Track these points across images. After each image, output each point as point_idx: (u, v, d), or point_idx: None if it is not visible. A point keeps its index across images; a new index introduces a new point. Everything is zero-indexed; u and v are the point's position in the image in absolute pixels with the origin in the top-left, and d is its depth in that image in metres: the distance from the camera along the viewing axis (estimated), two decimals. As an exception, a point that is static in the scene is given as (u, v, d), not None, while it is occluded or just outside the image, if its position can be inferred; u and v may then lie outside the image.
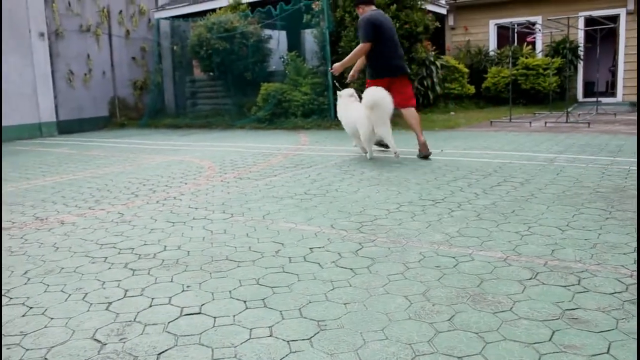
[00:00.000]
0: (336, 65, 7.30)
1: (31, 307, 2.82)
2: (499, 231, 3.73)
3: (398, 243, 3.57)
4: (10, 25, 13.36)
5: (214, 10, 14.09)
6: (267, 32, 13.98)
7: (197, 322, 2.53)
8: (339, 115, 7.40)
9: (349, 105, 7.09)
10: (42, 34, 13.97)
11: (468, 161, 6.59)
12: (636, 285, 2.75)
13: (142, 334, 2.45)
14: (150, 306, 2.74)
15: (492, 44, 16.77)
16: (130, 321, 2.58)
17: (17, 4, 13.46)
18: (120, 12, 15.91)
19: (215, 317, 2.57)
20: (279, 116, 12.29)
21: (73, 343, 2.40)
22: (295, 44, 15.79)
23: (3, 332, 2.56)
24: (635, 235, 3.51)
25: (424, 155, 6.94)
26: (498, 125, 10.78)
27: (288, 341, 2.31)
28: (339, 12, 11.36)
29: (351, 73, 7.49)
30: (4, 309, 2.83)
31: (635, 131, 8.85)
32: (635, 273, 2.90)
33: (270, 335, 2.37)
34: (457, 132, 9.89)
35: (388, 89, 6.60)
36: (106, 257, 3.55)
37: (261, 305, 2.68)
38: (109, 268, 3.35)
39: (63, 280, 3.18)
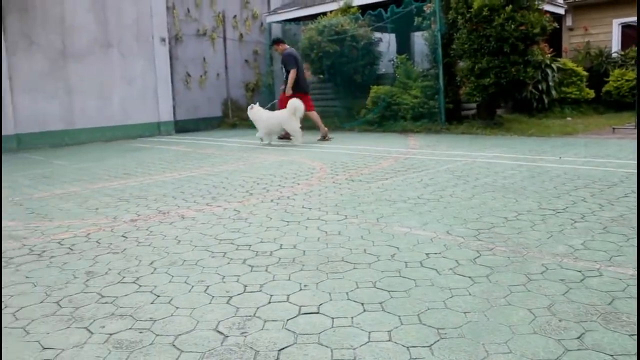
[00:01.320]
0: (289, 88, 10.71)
1: (158, 296, 2.96)
2: (630, 246, 3.49)
3: (518, 253, 3.43)
4: (137, 32, 14.26)
5: (324, 13, 14.26)
6: (377, 34, 13.97)
7: (316, 322, 2.55)
8: (258, 117, 10.43)
9: (265, 112, 10.56)
10: (163, 39, 14.77)
11: (589, 170, 6.22)
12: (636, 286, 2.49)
13: (262, 329, 2.50)
14: (269, 302, 2.80)
15: (616, 45, 15.76)
16: (250, 316, 2.65)
17: (143, 12, 14.33)
18: (235, 16, 16.49)
19: (333, 318, 2.58)
20: (388, 119, 12.24)
21: (198, 333, 2.50)
22: (404, 46, 15.67)
23: (134, 315, 2.71)
24: None
25: (325, 138, 10.75)
26: (622, 132, 10.11)
27: (408, 347, 2.27)
28: (451, 14, 11.12)
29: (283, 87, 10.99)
30: (135, 294, 3.00)
31: None
32: None
33: (390, 340, 2.34)
34: (575, 139, 9.38)
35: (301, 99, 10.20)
36: (225, 252, 3.67)
37: (379, 309, 2.66)
38: (228, 263, 3.46)
39: (186, 272, 3.32)
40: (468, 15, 10.28)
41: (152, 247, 3.89)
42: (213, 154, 9.39)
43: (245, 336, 2.44)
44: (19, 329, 2.65)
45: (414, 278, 3.05)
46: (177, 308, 2.79)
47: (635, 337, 2.28)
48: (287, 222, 4.39)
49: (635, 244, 3.50)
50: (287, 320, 2.58)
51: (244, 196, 5.50)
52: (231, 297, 2.90)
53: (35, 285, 3.23)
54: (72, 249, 3.95)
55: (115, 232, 4.37)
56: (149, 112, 14.50)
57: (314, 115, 11.00)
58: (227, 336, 2.45)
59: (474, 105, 12.24)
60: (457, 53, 10.80)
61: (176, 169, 7.68)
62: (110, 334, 2.52)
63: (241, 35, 16.66)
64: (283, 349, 2.31)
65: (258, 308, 2.74)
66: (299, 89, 10.82)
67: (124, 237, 4.21)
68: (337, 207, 4.85)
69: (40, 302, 2.97)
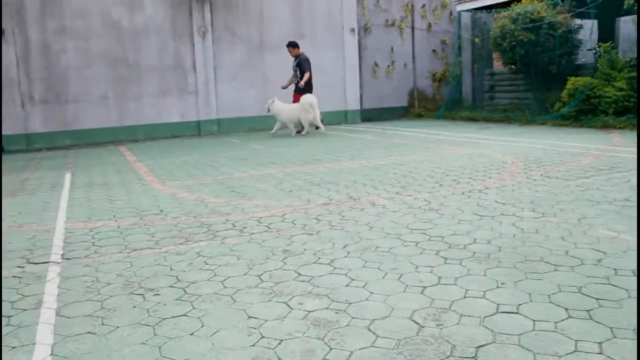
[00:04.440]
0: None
1: (353, 279, 3.02)
2: None
3: None
4: (328, 23, 14.74)
5: (518, 0, 13.53)
6: (577, 21, 12.92)
7: (515, 322, 2.42)
8: (278, 111, 11.72)
9: (285, 105, 11.83)
10: (352, 30, 15.08)
11: None
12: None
13: (458, 323, 2.43)
14: (465, 297, 2.72)
15: None
16: (445, 309, 2.59)
17: (334, 4, 14.77)
18: (423, 6, 16.30)
19: (534, 320, 2.43)
20: (586, 113, 11.29)
21: (392, 320, 2.50)
22: (608, 33, 14.32)
23: (330, 296, 2.79)
24: None
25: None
26: None
27: (625, 363, 2.06)
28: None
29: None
30: (330, 275, 3.09)
31: None
32: None
33: (600, 353, 2.14)
34: None
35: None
36: (417, 242, 3.64)
37: (586, 317, 2.45)
38: (421, 253, 3.42)
39: (379, 259, 3.34)
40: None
41: (345, 231, 3.99)
42: (400, 143, 9.40)
43: (441, 328, 2.39)
44: (227, 296, 2.86)
45: (627, 288, 2.76)
46: (372, 293, 2.81)
47: None
48: (480, 216, 4.24)
49: None
50: (485, 317, 2.48)
51: (434, 187, 5.42)
52: (425, 287, 2.86)
53: (239, 259, 3.47)
54: (269, 228, 4.18)
55: (309, 214, 4.55)
56: (337, 101, 14.93)
57: None
58: (423, 326, 2.42)
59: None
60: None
61: (364, 157, 7.81)
62: (309, 312, 2.62)
63: (429, 24, 16.44)
64: (481, 346, 2.22)
65: (453, 301, 2.67)
66: (309, 89, 12.03)
67: (317, 219, 4.36)
68: (533, 204, 4.57)
69: (244, 274, 3.18)
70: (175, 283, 3.09)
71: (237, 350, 2.28)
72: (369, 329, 2.41)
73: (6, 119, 11.84)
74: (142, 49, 12.89)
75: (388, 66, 15.79)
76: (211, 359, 2.21)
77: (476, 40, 15.47)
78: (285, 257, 3.45)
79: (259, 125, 13.92)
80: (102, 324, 2.60)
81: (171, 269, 3.33)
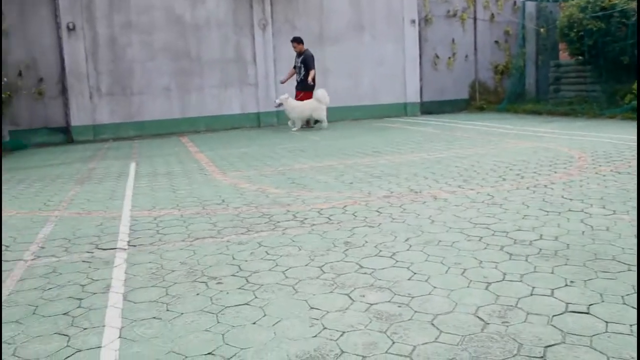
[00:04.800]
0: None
1: (415, 273, 2.98)
2: None
3: None
4: (388, 15, 14.59)
5: (588, -12, 13.02)
6: (654, 9, 12.33)
7: (586, 323, 2.33)
8: (291, 108, 11.63)
9: (297, 102, 11.73)
10: (413, 21, 14.87)
11: None
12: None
13: (524, 321, 2.36)
14: (531, 295, 2.63)
15: None
16: (511, 306, 2.52)
17: (394, -5, 14.65)
18: (488, -5, 15.92)
19: (607, 322, 2.33)
20: (661, 106, 10.78)
21: (456, 316, 2.45)
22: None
23: (392, 289, 2.75)
24: None
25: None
26: None
27: None
28: None
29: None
30: (392, 269, 3.06)
31: None
32: None
33: (680, 357, 2.03)
34: None
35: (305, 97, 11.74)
36: (481, 237, 3.56)
37: (664, 320, 2.33)
38: (485, 248, 3.34)
39: (442, 253, 3.29)
40: None
41: (407, 224, 3.94)
42: (461, 136, 9.23)
43: (507, 326, 2.32)
44: (288, 287, 2.87)
45: None
46: (435, 287, 2.77)
47: None
48: (547, 212, 4.10)
49: None
50: (553, 316, 2.40)
51: (497, 181, 5.29)
52: (490, 283, 2.79)
53: (300, 249, 3.48)
54: (330, 219, 4.18)
55: (369, 206, 4.52)
56: (397, 93, 14.79)
57: None
58: (488, 323, 2.36)
59: None
60: None
61: (425, 150, 7.71)
62: (371, 304, 2.60)
63: (492, 15, 16.02)
64: (550, 346, 2.15)
65: (519, 299, 2.59)
66: (310, 89, 11.78)
67: (378, 212, 4.33)
68: (603, 200, 4.39)
69: (306, 265, 3.18)
70: (238, 272, 3.12)
71: (299, 340, 2.28)
72: (432, 324, 2.37)
73: (75, 110, 12.30)
74: (203, 42, 13.12)
75: (449, 58, 15.50)
76: (273, 349, 2.22)
77: (541, 30, 15.00)
78: (347, 249, 3.43)
79: (318, 118, 13.95)
80: (167, 310, 2.65)
81: (233, 258, 3.37)
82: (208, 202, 5.03)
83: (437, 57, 15.35)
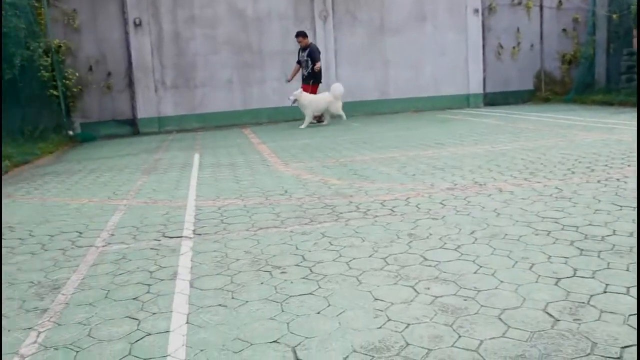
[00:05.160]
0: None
1: (481, 266, 2.91)
2: None
3: None
4: (450, 4, 14.31)
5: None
6: None
7: (666, 322, 2.22)
8: (307, 103, 11.14)
9: (312, 95, 11.31)
10: (476, 10, 14.53)
11: None
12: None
13: (598, 319, 2.27)
14: (605, 292, 2.53)
15: None
16: (583, 303, 2.43)
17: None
18: (558, -18, 15.38)
19: (688, 321, 2.21)
20: None
21: (524, 311, 2.38)
22: None
23: (458, 282, 2.70)
24: None
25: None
26: None
27: None
28: None
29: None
30: (457, 261, 3.00)
31: None
32: None
33: None
34: None
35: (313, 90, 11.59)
36: (549, 231, 3.44)
37: None
38: (554, 243, 3.23)
39: (508, 247, 3.20)
40: None
41: (471, 217, 3.86)
42: (526, 128, 8.96)
43: (579, 324, 2.24)
44: (352, 277, 2.86)
45: None
46: (502, 282, 2.70)
47: None
48: (620, 206, 3.93)
49: None
50: (629, 315, 2.29)
51: (565, 174, 5.11)
52: (559, 279, 2.70)
53: (364, 240, 3.47)
54: (393, 211, 4.14)
55: (433, 198, 4.46)
56: (458, 84, 14.52)
57: None
58: (558, 320, 2.28)
59: None
60: None
61: (488, 142, 7.53)
62: (436, 297, 2.56)
63: (560, 2, 15.47)
64: (627, 347, 2.06)
65: (592, 296, 2.49)
66: (319, 80, 11.71)
67: (442, 204, 4.26)
68: (681, 194, 4.18)
69: (369, 257, 3.17)
70: (301, 262, 3.14)
71: (364, 331, 2.27)
72: (500, 319, 2.32)
73: (142, 103, 12.67)
74: (265, 34, 13.24)
75: (513, 47, 15.08)
76: (338, 339, 2.22)
77: (613, 16, 14.38)
78: (411, 241, 3.39)
79: (379, 109, 13.87)
80: (233, 298, 2.69)
81: (297, 248, 3.39)
82: (271, 192, 5.08)
83: (501, 46, 14.95)
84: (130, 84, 12.71)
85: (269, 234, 3.75)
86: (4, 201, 5.55)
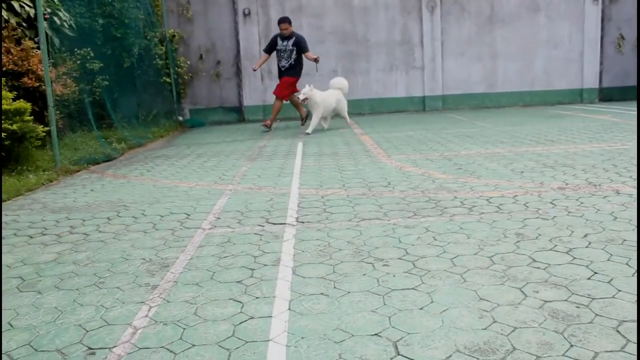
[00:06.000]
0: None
1: (596, 272, 2.74)
2: None
3: None
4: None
5: None
6: None
7: None
8: (321, 100, 9.52)
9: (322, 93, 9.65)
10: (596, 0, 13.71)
11: None
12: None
13: None
14: None
15: None
16: None
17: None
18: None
19: None
20: None
21: (646, 323, 2.21)
22: None
23: (570, 288, 2.56)
24: None
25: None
26: None
27: None
28: None
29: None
30: (569, 265, 2.84)
31: None
32: None
33: None
34: None
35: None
36: (674, 239, 3.19)
37: None
38: (679, 251, 2.99)
39: (627, 253, 2.99)
40: None
41: (585, 219, 3.65)
42: (647, 126, 8.38)
43: None
44: (456, 275, 2.78)
45: None
46: (619, 291, 2.52)
47: None
48: None
49: None
50: None
51: (693, 177, 4.72)
52: (686, 291, 2.49)
53: (469, 237, 3.37)
54: (500, 208, 4.00)
55: (542, 197, 4.26)
56: (572, 78, 13.79)
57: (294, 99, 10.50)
58: (684, 335, 2.10)
59: None
60: None
61: (604, 140, 7.09)
62: (545, 301, 2.44)
63: (693, -10, 14.27)
64: None
65: None
66: (299, 73, 10.46)
67: (552, 204, 4.06)
68: None
69: (474, 254, 3.07)
70: (404, 256, 3.10)
71: (468, 331, 2.20)
72: (617, 331, 2.16)
73: (248, 91, 13.02)
74: (371, 25, 13.19)
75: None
76: (441, 337, 2.17)
77: None
78: (518, 241, 3.26)
79: (486, 103, 13.47)
80: (334, 288, 2.70)
81: (399, 242, 3.35)
82: (374, 184, 5.06)
83: (622, 38, 14.02)
84: (238, 72, 13.10)
85: (371, 225, 3.73)
86: (120, 181, 5.90)
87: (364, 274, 2.85)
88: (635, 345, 2.05)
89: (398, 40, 13.25)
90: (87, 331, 2.37)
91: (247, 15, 12.88)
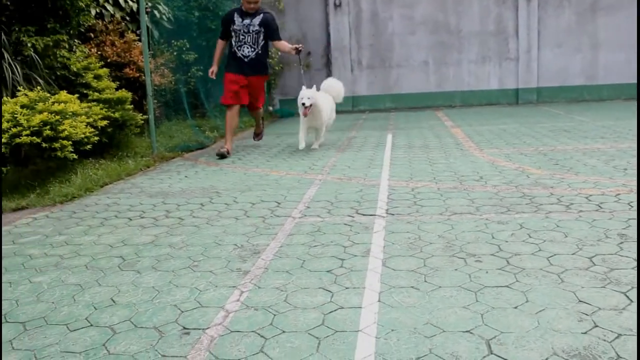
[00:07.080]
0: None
1: None
2: None
3: None
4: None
5: None
6: None
7: None
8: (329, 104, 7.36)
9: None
10: None
11: None
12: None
13: None
14: None
15: None
16: None
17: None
18: None
19: None
20: None
21: None
22: None
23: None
24: None
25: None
26: None
27: None
28: None
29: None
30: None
31: None
32: None
33: None
34: None
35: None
36: None
37: None
38: None
39: None
40: None
41: (697, 221, 3.40)
42: None
43: None
44: (553, 274, 2.67)
45: None
46: None
47: None
48: None
49: None
50: None
51: None
52: None
53: (566, 236, 3.22)
54: (600, 207, 3.80)
55: (649, 197, 4.01)
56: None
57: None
58: None
59: None
60: None
61: None
62: (652, 307, 2.29)
63: None
64: None
65: None
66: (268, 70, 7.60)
67: (660, 204, 3.81)
68: None
69: (573, 254, 2.93)
70: (497, 252, 3.01)
71: (567, 334, 2.11)
72: None
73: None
74: (463, 15, 12.85)
75: None
76: (537, 338, 2.09)
77: None
78: (622, 242, 3.08)
79: (585, 96, 12.83)
80: (425, 281, 2.66)
81: (492, 237, 3.26)
82: (465, 177, 4.95)
83: None
84: (328, 63, 13.17)
85: (463, 219, 3.65)
86: (212, 168, 6.08)
87: (456, 269, 2.79)
88: None
89: (492, 30, 12.84)
90: (182, 312, 2.47)
91: (338, 6, 12.90)
